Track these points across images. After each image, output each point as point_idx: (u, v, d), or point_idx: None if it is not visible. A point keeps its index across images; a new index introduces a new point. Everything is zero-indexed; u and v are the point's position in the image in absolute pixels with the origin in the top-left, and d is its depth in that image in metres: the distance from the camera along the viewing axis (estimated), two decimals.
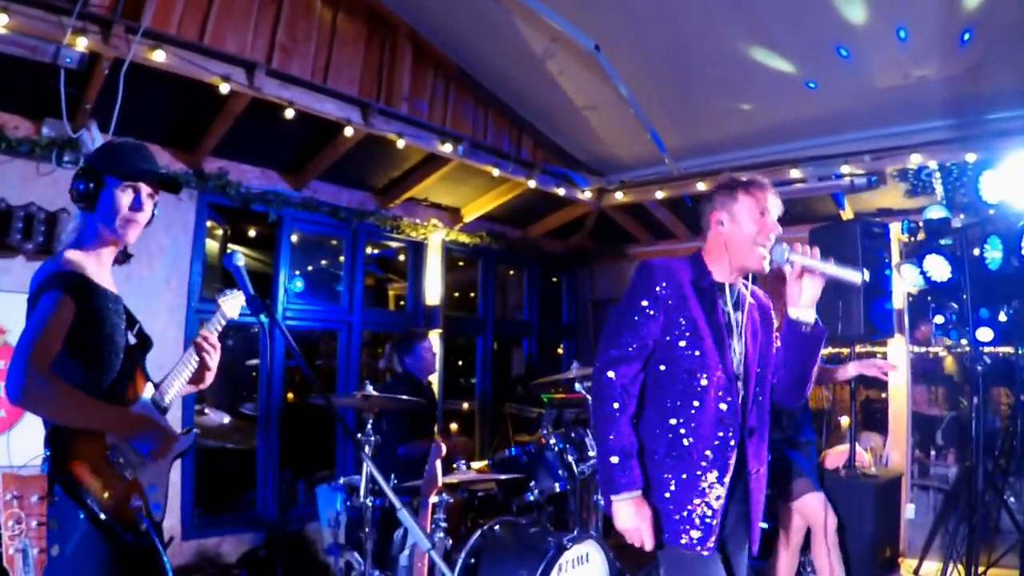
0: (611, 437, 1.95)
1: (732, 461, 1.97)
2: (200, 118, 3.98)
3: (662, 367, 2.01)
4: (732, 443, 1.96)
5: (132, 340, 1.98)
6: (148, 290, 3.94)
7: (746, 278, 2.17)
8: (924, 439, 5.01)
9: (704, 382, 1.96)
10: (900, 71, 3.84)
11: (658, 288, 2.01)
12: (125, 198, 1.89)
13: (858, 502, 3.79)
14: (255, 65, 3.71)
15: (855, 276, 1.97)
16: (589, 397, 3.87)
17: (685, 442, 1.95)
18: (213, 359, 2.13)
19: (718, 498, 1.95)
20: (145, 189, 1.92)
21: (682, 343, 1.98)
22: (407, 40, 4.75)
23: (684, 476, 1.95)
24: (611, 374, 1.98)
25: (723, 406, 1.97)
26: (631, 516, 1.93)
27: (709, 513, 1.94)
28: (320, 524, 4.22)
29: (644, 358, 2.01)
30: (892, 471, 4.53)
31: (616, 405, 1.96)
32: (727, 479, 1.96)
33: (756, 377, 2.06)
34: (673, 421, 1.97)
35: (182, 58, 3.46)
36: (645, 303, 2.01)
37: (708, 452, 1.95)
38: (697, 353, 1.97)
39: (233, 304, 2.24)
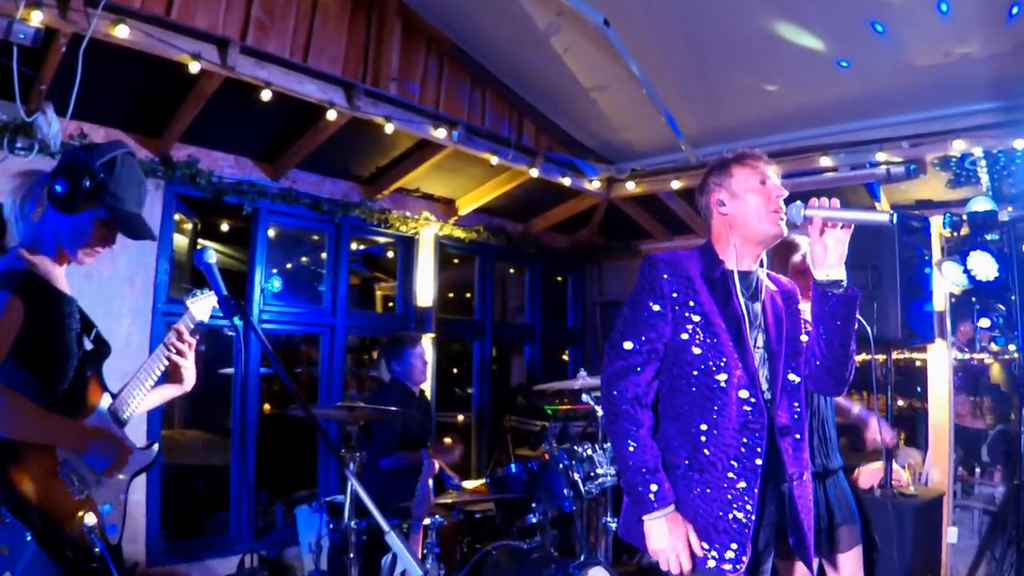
0: (630, 453, 1.94)
1: (760, 469, 1.94)
2: (167, 100, 3.98)
3: (676, 370, 2.00)
4: (759, 448, 1.94)
5: (89, 346, 1.98)
6: (110, 290, 3.93)
7: (762, 264, 2.15)
8: (968, 455, 5.00)
9: (723, 382, 1.95)
10: (941, 48, 3.84)
11: (664, 283, 2.01)
12: (101, 233, 1.92)
13: (895, 524, 3.79)
14: (228, 42, 3.70)
15: (882, 217, 1.93)
16: (598, 409, 3.89)
17: (707, 451, 1.94)
18: (188, 359, 2.12)
19: (748, 513, 1.92)
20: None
21: (696, 341, 1.98)
22: (396, 14, 4.75)
23: (709, 491, 1.93)
24: (620, 387, 1.99)
25: (747, 407, 1.95)
26: (665, 535, 1.90)
27: (738, 529, 1.91)
28: (300, 549, 4.22)
29: (656, 364, 2.01)
30: (932, 490, 4.52)
31: (630, 420, 1.96)
32: (756, 490, 1.93)
33: (784, 370, 2.04)
34: (693, 429, 1.96)
35: (147, 34, 3.45)
36: (651, 301, 2.01)
37: (734, 461, 1.93)
38: (713, 350, 1.97)
39: (203, 305, 2.24)
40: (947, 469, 4.75)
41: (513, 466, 3.89)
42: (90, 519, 1.81)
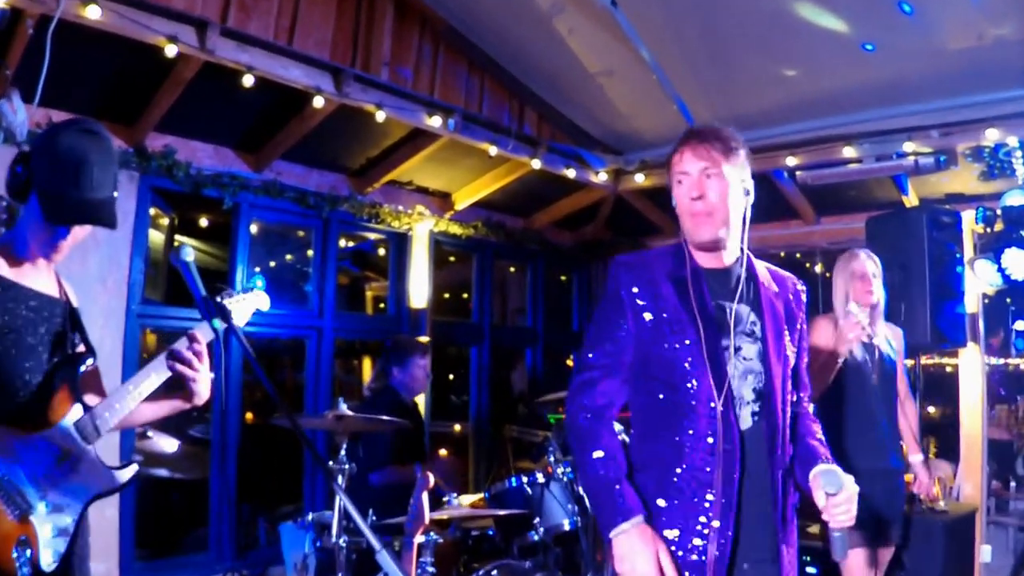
0: (591, 467, 1.93)
1: (735, 497, 1.85)
2: (142, 86, 3.97)
3: (643, 382, 1.97)
4: (734, 472, 1.85)
5: (80, 348, 1.97)
6: (80, 291, 3.84)
7: (744, 259, 2.04)
8: (1002, 468, 5.01)
9: (693, 391, 1.88)
10: (974, 30, 3.84)
11: (624, 288, 1.97)
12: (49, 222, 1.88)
13: (924, 542, 3.79)
14: (207, 23, 3.70)
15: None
16: None
17: (677, 471, 1.88)
18: (201, 371, 2.02)
19: (720, 543, 1.83)
20: (75, 227, 1.91)
21: (662, 346, 1.92)
22: None
23: (679, 514, 1.87)
24: (578, 401, 1.99)
25: (717, 421, 1.85)
26: (631, 554, 1.83)
27: (706, 559, 1.83)
28: (284, 568, 4.22)
29: (617, 376, 1.99)
30: (964, 506, 4.52)
31: (587, 435, 1.95)
32: (732, 523, 1.84)
33: (781, 386, 1.95)
34: (662, 446, 1.91)
35: (121, 15, 3.45)
36: (611, 310, 2.00)
37: (706, 487, 1.85)
38: (681, 355, 1.90)
39: (241, 308, 2.21)
40: (980, 483, 4.74)
41: (513, 480, 3.88)
42: (21, 545, 1.75)
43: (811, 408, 2.14)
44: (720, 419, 1.86)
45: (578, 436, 1.97)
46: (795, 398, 2.04)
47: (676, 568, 1.84)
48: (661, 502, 1.90)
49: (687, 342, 1.90)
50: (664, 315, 1.93)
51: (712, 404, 1.86)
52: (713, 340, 1.90)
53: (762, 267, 2.08)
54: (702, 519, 1.85)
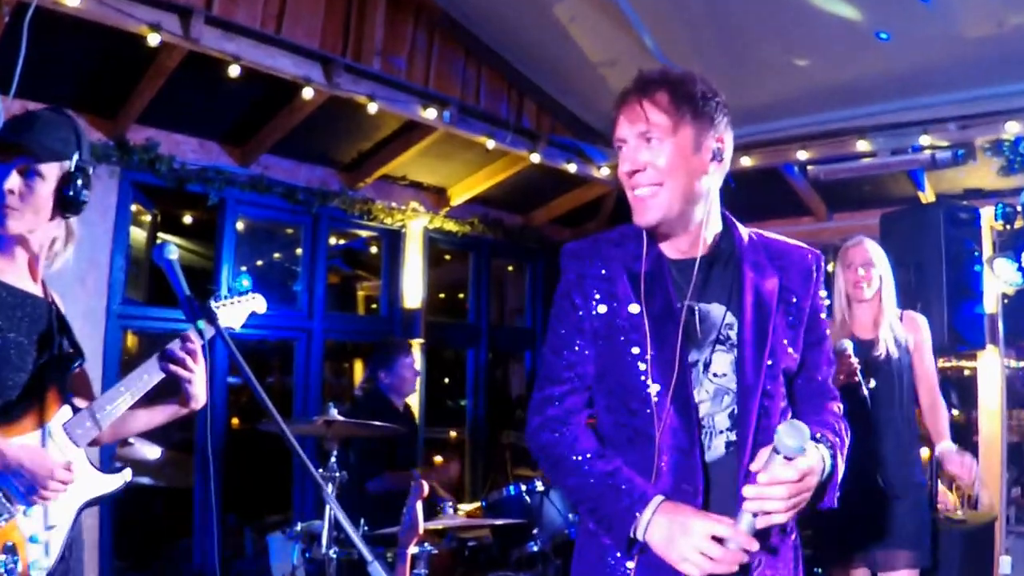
0: (575, 474, 1.62)
1: None
2: (123, 77, 3.98)
3: (601, 399, 1.68)
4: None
5: (68, 349, 1.97)
6: (59, 290, 3.87)
7: (727, 238, 1.71)
8: (1023, 475, 5.01)
9: (648, 417, 1.57)
10: (993, 18, 3.84)
11: (574, 285, 1.67)
12: None
13: (942, 553, 3.79)
14: (191, 11, 3.70)
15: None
16: None
17: None
18: (196, 373, 2.00)
19: None
20: (17, 165, 1.88)
21: (617, 363, 1.62)
22: None
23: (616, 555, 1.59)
24: (538, 421, 1.70)
25: (678, 454, 1.55)
26: (670, 535, 1.47)
27: None
28: None
29: (583, 392, 1.69)
30: (983, 514, 4.52)
31: (560, 443, 1.65)
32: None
33: (758, 407, 1.57)
34: None
35: (101, 2, 3.45)
36: (564, 313, 1.69)
37: None
38: (637, 377, 1.58)
39: (233, 312, 2.20)
40: (999, 491, 4.74)
41: (511, 488, 3.89)
42: (9, 550, 1.76)
43: (838, 407, 1.74)
44: (683, 455, 1.55)
45: (548, 452, 1.67)
46: (792, 416, 1.66)
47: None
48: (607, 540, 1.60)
49: (646, 356, 1.58)
50: (618, 320, 1.62)
51: (674, 434, 1.56)
52: (679, 354, 1.56)
53: (754, 243, 1.72)
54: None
